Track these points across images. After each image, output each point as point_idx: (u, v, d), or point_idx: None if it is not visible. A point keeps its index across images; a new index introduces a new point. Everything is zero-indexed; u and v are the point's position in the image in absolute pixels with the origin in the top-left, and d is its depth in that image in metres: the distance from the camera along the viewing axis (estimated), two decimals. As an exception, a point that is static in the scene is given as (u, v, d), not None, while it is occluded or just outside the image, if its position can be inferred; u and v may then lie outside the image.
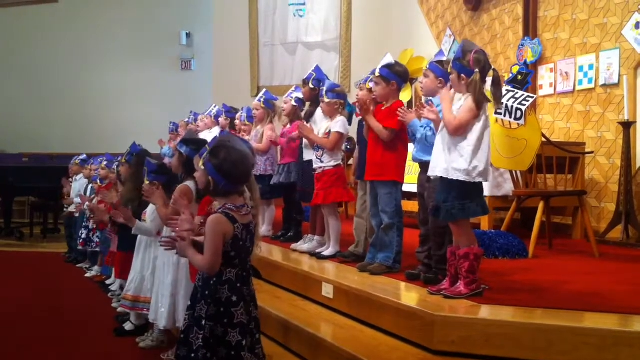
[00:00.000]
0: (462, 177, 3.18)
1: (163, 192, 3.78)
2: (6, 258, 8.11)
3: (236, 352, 2.61)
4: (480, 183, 3.25)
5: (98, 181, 6.66)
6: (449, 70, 3.35)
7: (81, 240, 6.89)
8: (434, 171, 3.30)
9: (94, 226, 6.44)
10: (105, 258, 5.94)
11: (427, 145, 3.64)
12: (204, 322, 2.61)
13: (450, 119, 3.20)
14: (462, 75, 3.21)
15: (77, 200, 7.35)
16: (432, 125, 3.55)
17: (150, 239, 4.27)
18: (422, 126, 3.71)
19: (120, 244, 4.95)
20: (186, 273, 3.75)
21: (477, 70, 3.17)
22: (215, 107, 7.32)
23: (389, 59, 4.06)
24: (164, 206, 3.70)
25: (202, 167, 2.73)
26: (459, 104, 3.26)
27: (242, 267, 2.70)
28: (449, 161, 3.21)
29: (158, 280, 3.94)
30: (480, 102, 3.17)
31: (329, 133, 4.57)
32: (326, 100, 4.59)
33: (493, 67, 3.28)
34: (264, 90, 6.22)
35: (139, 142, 5.23)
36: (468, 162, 3.17)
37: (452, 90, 3.36)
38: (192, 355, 2.61)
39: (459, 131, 3.19)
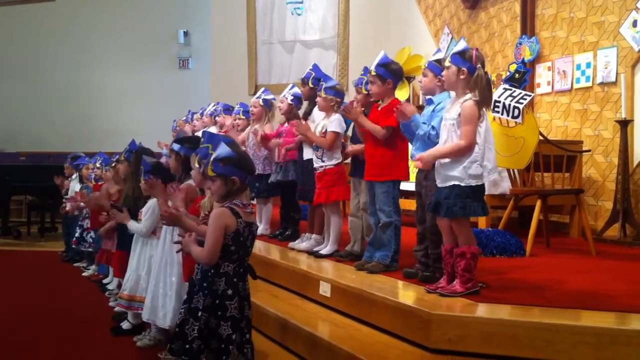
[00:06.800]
0: (480, 182, 3.18)
1: (163, 186, 3.72)
2: (3, 257, 8.09)
3: (225, 346, 2.65)
4: (483, 183, 3.25)
5: (93, 180, 6.64)
6: (446, 65, 3.27)
7: (74, 239, 6.88)
8: (447, 181, 3.20)
9: (88, 225, 6.43)
10: (97, 256, 5.93)
11: (428, 144, 3.53)
12: (200, 314, 2.65)
13: (458, 144, 3.13)
14: (463, 69, 3.16)
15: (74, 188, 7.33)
16: (433, 122, 3.49)
17: (146, 238, 4.26)
18: (424, 122, 3.59)
19: (119, 243, 4.94)
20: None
21: (479, 66, 3.14)
22: (213, 105, 7.30)
23: (383, 57, 4.04)
24: (166, 202, 3.64)
25: (214, 173, 2.73)
26: (454, 109, 3.20)
27: (239, 264, 2.74)
28: (462, 170, 3.15)
29: (155, 280, 3.91)
30: (486, 98, 3.14)
31: (325, 132, 4.57)
32: (323, 95, 4.58)
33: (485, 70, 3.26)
34: (263, 88, 6.21)
35: (136, 141, 5.22)
36: (482, 165, 3.18)
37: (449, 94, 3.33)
38: (187, 346, 2.63)
39: (474, 145, 3.15)
